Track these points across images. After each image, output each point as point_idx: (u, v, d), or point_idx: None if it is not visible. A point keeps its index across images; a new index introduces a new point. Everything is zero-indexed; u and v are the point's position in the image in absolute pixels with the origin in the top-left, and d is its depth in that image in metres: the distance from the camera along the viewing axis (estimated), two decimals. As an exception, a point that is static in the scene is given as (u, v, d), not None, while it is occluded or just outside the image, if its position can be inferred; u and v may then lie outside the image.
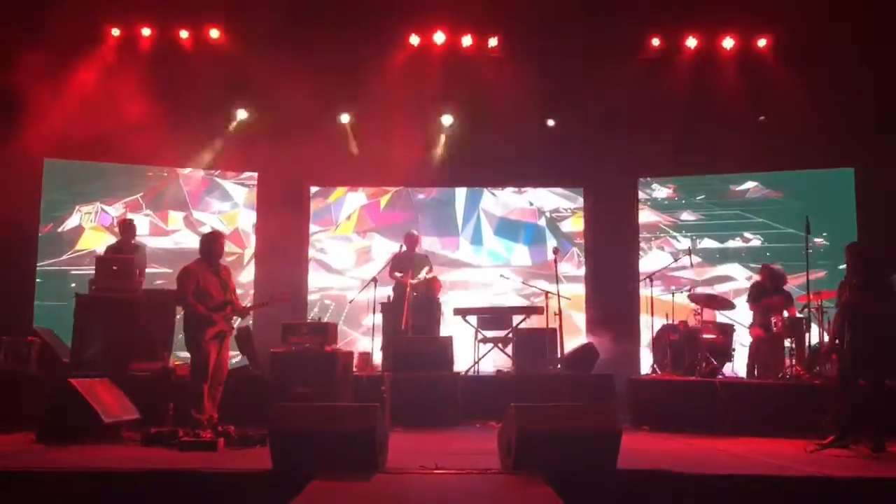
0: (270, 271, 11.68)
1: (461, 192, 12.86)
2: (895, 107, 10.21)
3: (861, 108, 10.39)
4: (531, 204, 12.79)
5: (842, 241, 8.66)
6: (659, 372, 9.43)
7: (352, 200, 12.95)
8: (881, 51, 10.00)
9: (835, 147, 10.84)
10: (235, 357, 8.53)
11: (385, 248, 12.06)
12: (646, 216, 12.39)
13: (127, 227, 10.04)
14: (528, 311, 10.23)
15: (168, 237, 12.06)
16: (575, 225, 12.62)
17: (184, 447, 6.74)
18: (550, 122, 11.56)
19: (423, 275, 10.18)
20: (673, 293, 10.11)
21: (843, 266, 7.90)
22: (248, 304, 8.49)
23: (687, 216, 12.32)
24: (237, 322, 8.21)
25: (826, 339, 8.38)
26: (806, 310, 8.76)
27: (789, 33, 10.51)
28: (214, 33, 10.83)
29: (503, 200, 12.86)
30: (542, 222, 12.72)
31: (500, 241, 12.75)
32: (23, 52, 9.59)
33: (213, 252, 7.77)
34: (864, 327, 6.96)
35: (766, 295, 9.24)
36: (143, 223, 11.52)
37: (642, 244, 12.28)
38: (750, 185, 12.07)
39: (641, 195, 12.39)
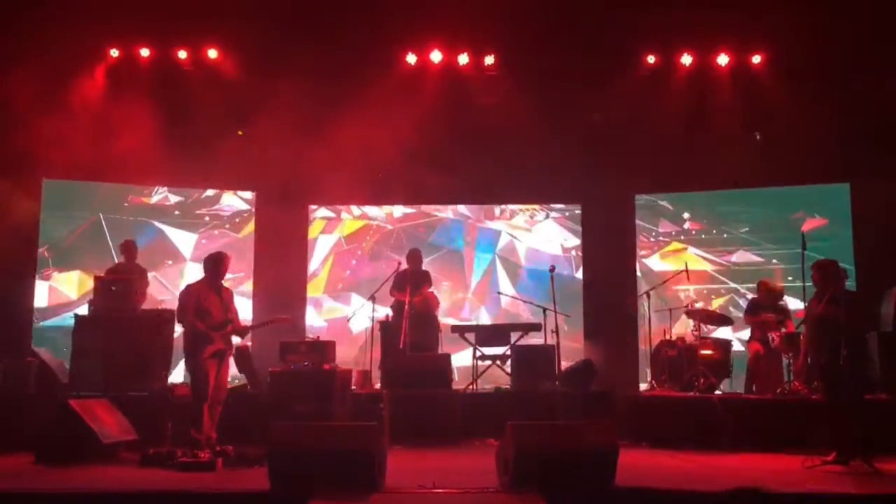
0: (269, 288, 11.66)
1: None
2: (890, 121, 10.25)
3: (856, 123, 10.42)
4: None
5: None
6: (657, 388, 9.43)
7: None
8: (875, 66, 10.05)
9: (830, 162, 10.87)
10: (235, 377, 8.48)
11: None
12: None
13: (128, 249, 10.02)
14: (526, 327, 10.23)
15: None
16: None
17: (182, 467, 6.74)
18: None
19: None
20: (671, 310, 10.10)
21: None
22: (248, 325, 8.50)
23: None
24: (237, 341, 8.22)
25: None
26: (802, 325, 8.77)
27: (783, 50, 10.58)
28: (213, 53, 10.91)
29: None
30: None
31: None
32: (21, 73, 9.64)
33: (217, 273, 7.84)
34: (847, 340, 6.98)
35: (763, 311, 9.26)
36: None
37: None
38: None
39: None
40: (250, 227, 11.82)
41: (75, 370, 8.90)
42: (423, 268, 10.58)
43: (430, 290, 10.34)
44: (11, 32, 9.82)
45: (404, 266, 10.32)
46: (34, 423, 7.68)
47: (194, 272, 10.33)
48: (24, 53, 9.78)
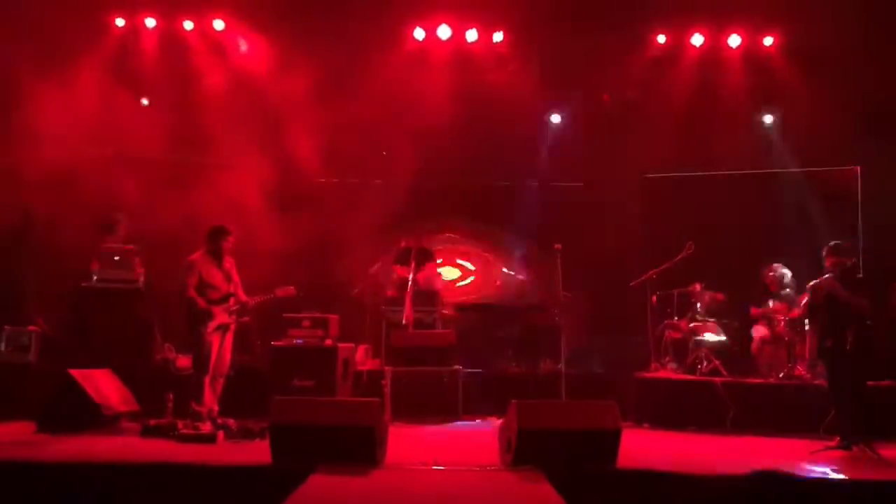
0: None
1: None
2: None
3: (867, 107, 10.31)
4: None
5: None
6: (661, 370, 9.40)
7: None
8: (887, 49, 9.94)
9: (840, 146, 10.76)
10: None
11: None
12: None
13: (111, 229, 9.62)
14: (532, 308, 10.19)
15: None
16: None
17: (182, 439, 6.74)
18: None
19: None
20: (677, 292, 10.00)
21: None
22: (253, 298, 8.39)
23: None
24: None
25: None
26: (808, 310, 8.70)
27: (796, 32, 10.46)
28: (219, 24, 10.81)
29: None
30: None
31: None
32: (24, 45, 9.55)
33: (219, 247, 7.75)
34: (853, 325, 6.94)
35: (769, 298, 9.20)
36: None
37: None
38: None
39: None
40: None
41: (77, 340, 8.88)
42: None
43: (433, 267, 10.32)
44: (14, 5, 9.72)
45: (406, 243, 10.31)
46: (36, 393, 7.68)
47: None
48: (28, 26, 9.69)
